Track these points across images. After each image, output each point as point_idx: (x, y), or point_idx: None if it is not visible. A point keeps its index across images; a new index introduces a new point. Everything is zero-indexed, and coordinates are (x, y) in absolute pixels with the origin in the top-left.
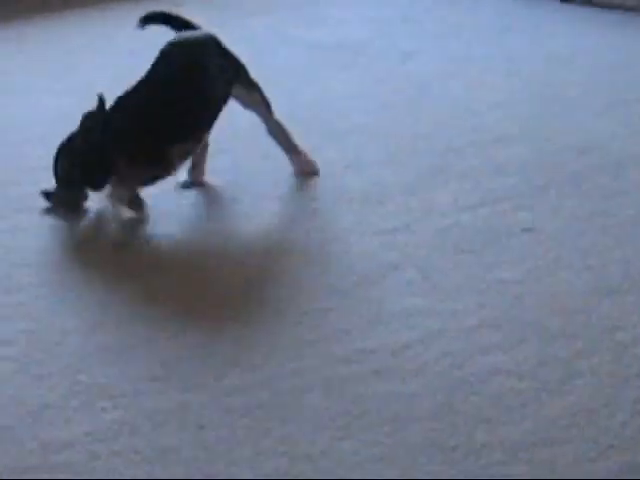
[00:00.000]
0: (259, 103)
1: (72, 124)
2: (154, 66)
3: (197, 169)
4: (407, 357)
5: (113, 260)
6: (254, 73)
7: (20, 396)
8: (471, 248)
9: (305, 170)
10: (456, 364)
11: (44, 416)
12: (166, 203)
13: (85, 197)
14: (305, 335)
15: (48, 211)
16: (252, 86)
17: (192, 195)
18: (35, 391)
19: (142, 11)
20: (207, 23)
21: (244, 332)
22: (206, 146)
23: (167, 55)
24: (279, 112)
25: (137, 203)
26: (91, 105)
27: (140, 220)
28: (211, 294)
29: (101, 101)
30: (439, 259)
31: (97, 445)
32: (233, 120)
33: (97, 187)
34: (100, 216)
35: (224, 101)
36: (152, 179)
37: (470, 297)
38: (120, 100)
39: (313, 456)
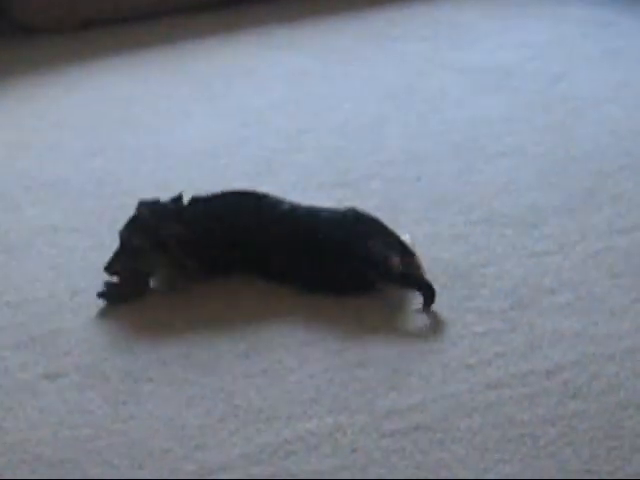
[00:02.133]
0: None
1: (227, 149)
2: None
3: None
4: (562, 380)
5: (259, 289)
6: (410, 98)
7: (177, 419)
8: (626, 271)
9: None
10: (612, 387)
11: (200, 439)
12: None
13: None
14: (460, 358)
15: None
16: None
17: None
18: (191, 414)
19: (302, 37)
20: (365, 48)
21: (398, 355)
22: None
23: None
24: (432, 134)
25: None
26: (247, 129)
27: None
28: (364, 316)
29: (179, 197)
30: (594, 282)
31: (253, 468)
32: (383, 144)
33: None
34: None
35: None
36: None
37: (625, 320)
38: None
39: None
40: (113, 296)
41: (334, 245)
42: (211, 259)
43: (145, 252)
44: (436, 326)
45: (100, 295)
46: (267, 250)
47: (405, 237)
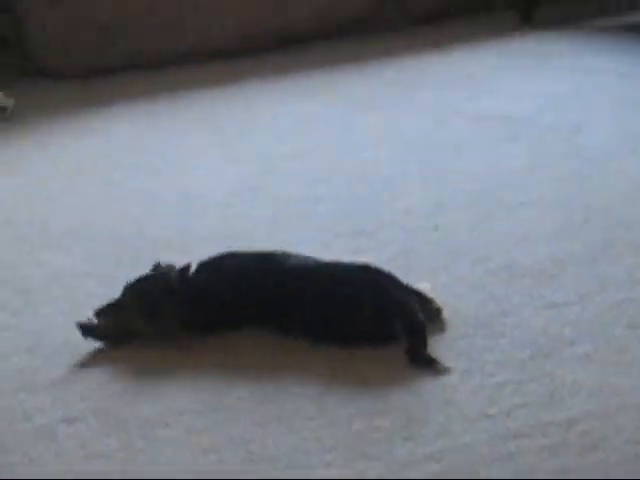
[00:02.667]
0: None
1: (242, 196)
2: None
3: None
4: (582, 431)
5: (273, 339)
6: (428, 146)
7: (193, 466)
8: None
9: None
10: (632, 439)
11: None
12: None
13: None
14: (479, 408)
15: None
16: None
17: None
18: (207, 461)
19: (319, 86)
20: (381, 97)
21: (417, 404)
22: None
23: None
24: (450, 183)
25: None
26: (263, 177)
27: None
28: (382, 365)
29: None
30: (613, 333)
31: None
32: (400, 193)
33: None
34: None
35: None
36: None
37: None
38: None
39: None
40: (91, 332)
41: (355, 297)
42: (220, 321)
43: (137, 320)
44: (453, 376)
45: (82, 327)
46: (284, 307)
47: (424, 285)
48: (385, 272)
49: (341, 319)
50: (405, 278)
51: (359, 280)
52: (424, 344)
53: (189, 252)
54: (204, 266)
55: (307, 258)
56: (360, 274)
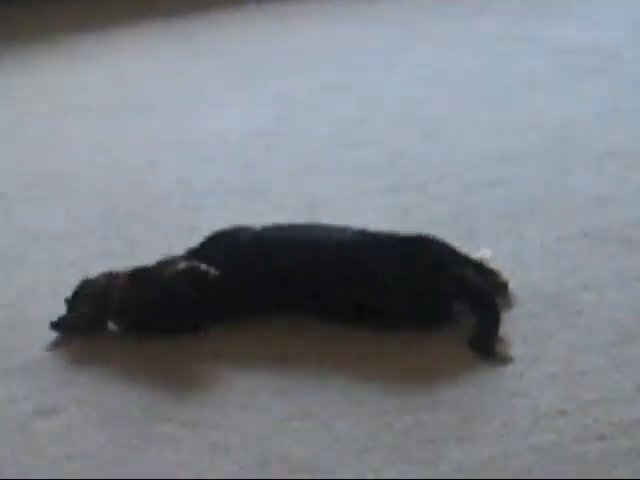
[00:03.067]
0: None
1: (265, 140)
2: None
3: None
4: None
5: (295, 321)
6: (490, 85)
7: (197, 468)
8: None
9: None
10: None
11: None
12: None
13: None
14: (551, 403)
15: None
16: None
17: None
18: (216, 462)
19: (361, 6)
20: (435, 24)
21: (472, 398)
22: None
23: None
24: (517, 130)
25: None
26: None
27: None
28: (430, 352)
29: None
30: None
31: None
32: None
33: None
34: None
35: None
36: None
37: None
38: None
39: None
40: (67, 327)
41: (403, 277)
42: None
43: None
44: (519, 364)
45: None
46: (318, 289)
47: (483, 252)
48: (440, 242)
49: (388, 300)
50: (460, 243)
51: (406, 254)
52: (496, 328)
53: (194, 210)
54: (217, 243)
55: (341, 230)
56: (407, 247)
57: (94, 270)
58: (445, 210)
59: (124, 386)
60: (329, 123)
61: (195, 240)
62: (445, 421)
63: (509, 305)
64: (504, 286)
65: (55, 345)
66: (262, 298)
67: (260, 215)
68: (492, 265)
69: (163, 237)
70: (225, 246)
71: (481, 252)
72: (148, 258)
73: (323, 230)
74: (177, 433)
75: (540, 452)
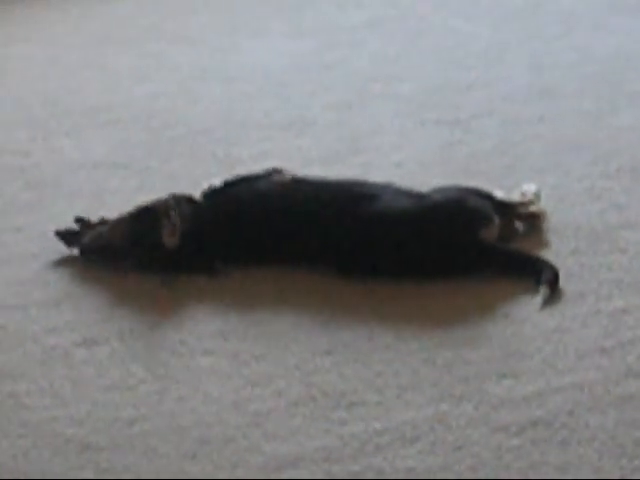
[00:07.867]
0: None
1: (308, 74)
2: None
3: None
4: None
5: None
6: (535, 19)
7: (239, 401)
8: None
9: None
10: None
11: (268, 426)
12: None
13: None
14: (592, 340)
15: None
16: None
17: None
18: (258, 396)
19: None
20: None
21: (513, 334)
22: None
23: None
24: (562, 65)
25: None
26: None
27: None
28: (471, 288)
29: None
30: None
31: (333, 465)
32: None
33: None
34: None
35: None
36: None
37: None
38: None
39: None
40: (71, 241)
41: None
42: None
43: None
44: (562, 300)
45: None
46: (346, 245)
47: (528, 186)
48: (484, 192)
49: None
50: (504, 178)
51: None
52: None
53: (235, 142)
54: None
55: (382, 188)
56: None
57: (134, 201)
58: (489, 145)
59: (164, 320)
60: (373, 57)
61: (235, 172)
62: (486, 357)
63: (542, 239)
64: (539, 217)
65: (99, 280)
66: (299, 247)
67: (301, 149)
68: (537, 199)
69: (203, 169)
70: (253, 189)
71: (525, 186)
72: (189, 189)
73: (361, 186)
74: (218, 365)
75: (582, 389)
